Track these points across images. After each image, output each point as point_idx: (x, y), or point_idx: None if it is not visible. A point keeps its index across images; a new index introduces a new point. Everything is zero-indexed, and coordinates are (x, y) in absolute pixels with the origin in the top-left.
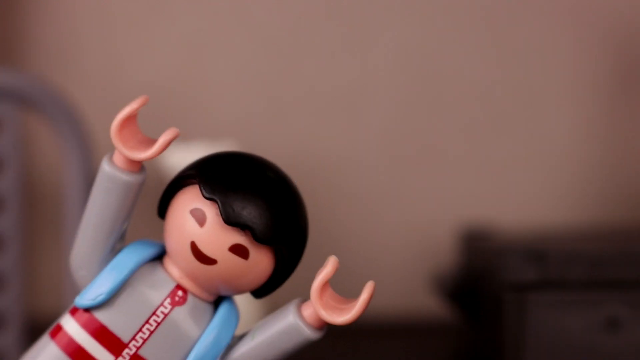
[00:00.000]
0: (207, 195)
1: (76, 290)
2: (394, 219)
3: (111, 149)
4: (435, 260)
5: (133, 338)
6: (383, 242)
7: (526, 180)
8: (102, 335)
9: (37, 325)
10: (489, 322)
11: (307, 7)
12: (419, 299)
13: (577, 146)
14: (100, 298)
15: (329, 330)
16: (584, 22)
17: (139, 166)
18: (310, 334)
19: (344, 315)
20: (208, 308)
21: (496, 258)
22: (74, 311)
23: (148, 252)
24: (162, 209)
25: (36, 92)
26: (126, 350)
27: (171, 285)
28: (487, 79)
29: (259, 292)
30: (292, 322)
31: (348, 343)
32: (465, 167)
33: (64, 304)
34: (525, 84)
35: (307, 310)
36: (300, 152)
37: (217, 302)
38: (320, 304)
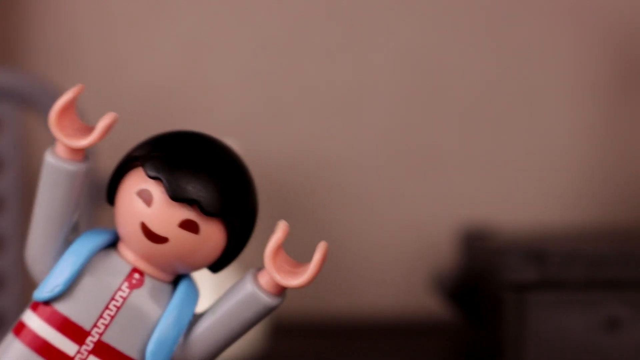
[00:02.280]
0: (151, 175)
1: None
2: (394, 218)
3: (113, 147)
4: (435, 260)
5: (95, 325)
6: (383, 242)
7: (526, 180)
8: (64, 326)
9: None
10: (489, 322)
11: (307, 7)
12: (419, 299)
13: (577, 146)
14: (58, 289)
15: (329, 330)
16: (584, 23)
17: (82, 155)
18: (269, 301)
19: (298, 278)
20: (167, 288)
21: (496, 258)
22: (34, 306)
23: (101, 239)
24: (111, 195)
25: (36, 92)
26: (89, 338)
27: (127, 269)
28: (487, 79)
29: (216, 267)
30: (250, 290)
31: (348, 343)
32: (465, 167)
33: None
34: (525, 84)
35: (264, 278)
36: (300, 152)
37: (176, 282)
38: (275, 268)
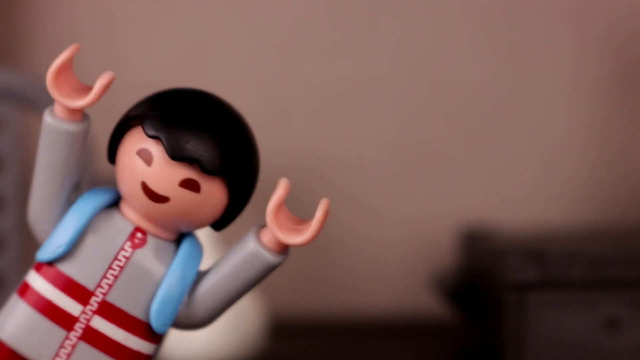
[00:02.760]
0: (150, 134)
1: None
2: (394, 218)
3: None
4: (435, 260)
5: (98, 285)
6: (383, 242)
7: (526, 180)
8: (68, 286)
9: None
10: (489, 322)
11: (307, 7)
12: (419, 299)
13: (577, 146)
14: (60, 250)
15: (329, 330)
16: (584, 23)
17: (80, 115)
18: (272, 259)
19: (301, 236)
20: (170, 246)
21: (496, 258)
22: (38, 267)
23: (103, 199)
24: (112, 155)
25: (36, 92)
26: (93, 298)
27: (130, 228)
28: (487, 79)
29: (218, 225)
30: (253, 249)
31: (348, 343)
32: (466, 167)
33: None
34: (525, 84)
35: (267, 236)
36: (300, 152)
37: (180, 240)
38: (277, 225)
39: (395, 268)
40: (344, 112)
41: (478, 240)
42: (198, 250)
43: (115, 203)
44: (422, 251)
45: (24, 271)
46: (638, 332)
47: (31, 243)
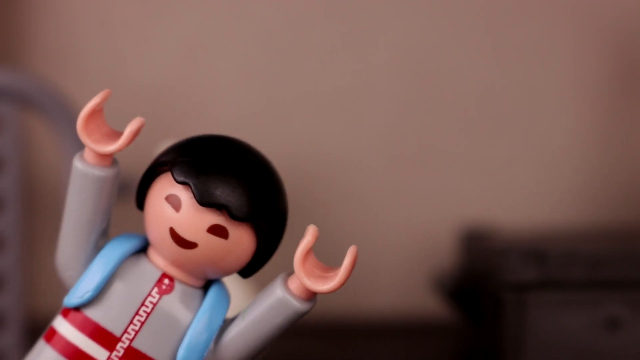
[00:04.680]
0: (178, 180)
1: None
2: (394, 219)
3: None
4: (435, 260)
5: (125, 331)
6: (383, 242)
7: (526, 180)
8: (95, 332)
9: (37, 325)
10: (489, 322)
11: (307, 7)
12: (419, 299)
13: (577, 146)
14: (88, 295)
15: (329, 330)
16: (584, 22)
17: (110, 160)
18: (300, 306)
19: (328, 283)
20: (197, 293)
21: (496, 258)
22: (65, 312)
23: (131, 245)
24: (140, 200)
25: (36, 92)
26: (120, 344)
27: (157, 275)
28: (487, 78)
29: (246, 271)
30: (280, 296)
31: (348, 343)
32: (466, 167)
33: None
34: (525, 83)
35: (294, 283)
36: (300, 152)
37: (207, 287)
38: (304, 273)
39: (396, 268)
40: (344, 113)
41: (478, 240)
42: (225, 297)
43: (143, 249)
44: (422, 251)
45: (24, 272)
46: (638, 332)
47: (31, 243)
